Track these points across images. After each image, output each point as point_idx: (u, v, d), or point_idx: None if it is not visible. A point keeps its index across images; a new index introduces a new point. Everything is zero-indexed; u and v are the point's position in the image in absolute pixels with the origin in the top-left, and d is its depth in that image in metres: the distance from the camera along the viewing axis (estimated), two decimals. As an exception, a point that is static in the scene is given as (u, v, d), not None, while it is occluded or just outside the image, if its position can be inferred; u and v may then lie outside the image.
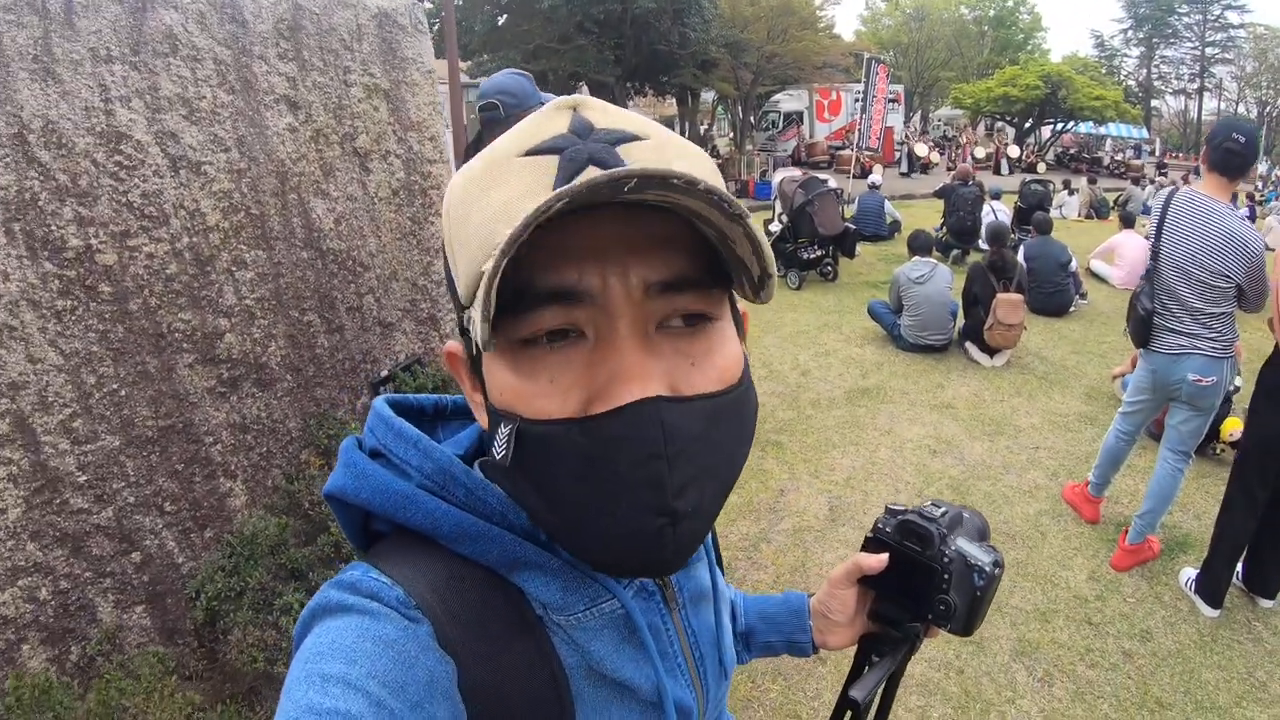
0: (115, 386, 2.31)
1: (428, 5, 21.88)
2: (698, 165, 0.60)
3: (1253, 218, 16.43)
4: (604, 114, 0.59)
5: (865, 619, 0.99)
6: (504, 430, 0.55)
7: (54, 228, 2.14)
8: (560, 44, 20.70)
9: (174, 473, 2.52)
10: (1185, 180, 17.32)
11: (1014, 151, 29.91)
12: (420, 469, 0.64)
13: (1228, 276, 3.48)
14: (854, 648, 1.01)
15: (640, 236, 0.54)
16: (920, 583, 0.90)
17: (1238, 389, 5.33)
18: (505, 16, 21.79)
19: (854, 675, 0.96)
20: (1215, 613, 3.71)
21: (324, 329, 3.21)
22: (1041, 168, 29.02)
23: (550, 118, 0.58)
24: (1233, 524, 3.63)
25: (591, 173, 0.52)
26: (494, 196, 0.54)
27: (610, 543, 0.56)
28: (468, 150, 3.53)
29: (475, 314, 0.49)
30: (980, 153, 29.19)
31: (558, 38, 20.61)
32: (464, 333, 0.61)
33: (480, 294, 0.48)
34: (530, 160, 0.55)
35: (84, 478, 2.25)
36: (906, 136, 31.03)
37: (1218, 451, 5.20)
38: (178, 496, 2.54)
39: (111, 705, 1.91)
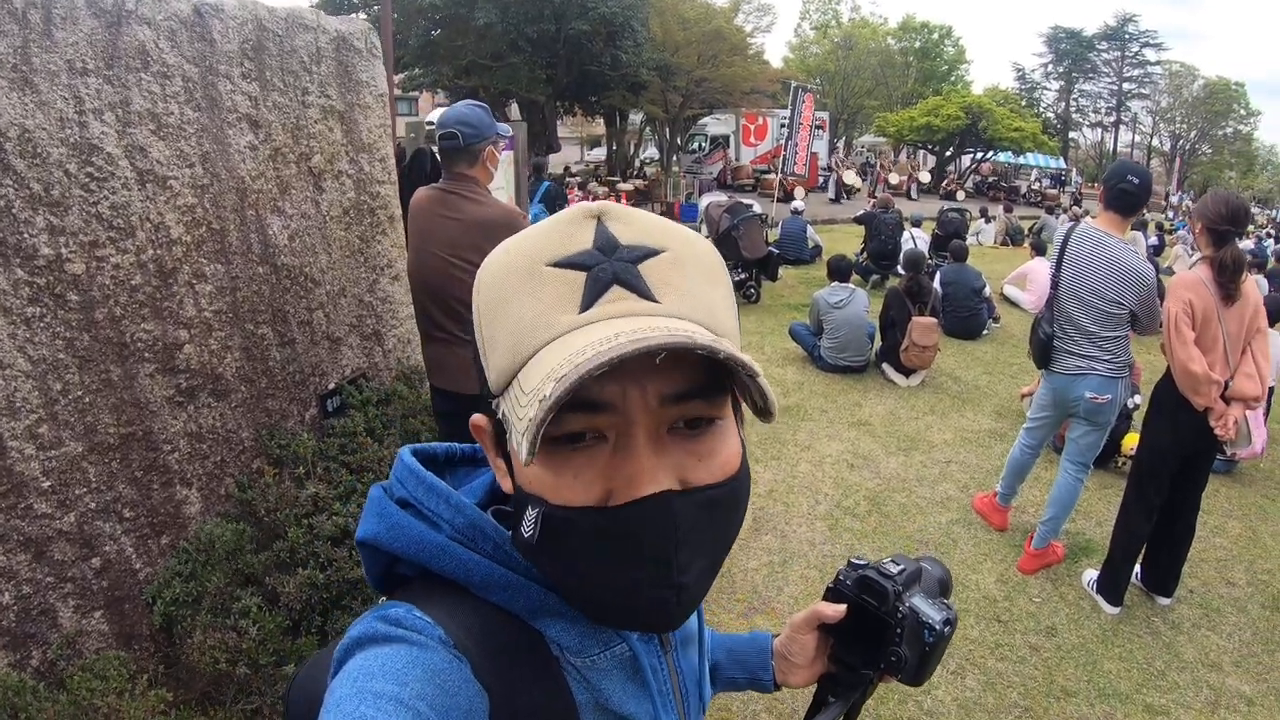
0: (80, 394, 2.36)
1: (361, 17, 21.68)
2: (711, 274, 0.67)
3: (1161, 246, 17.31)
4: (627, 225, 0.63)
5: (824, 661, 1.06)
6: (532, 513, 0.61)
7: (26, 236, 2.19)
8: (493, 61, 20.67)
9: (133, 479, 2.56)
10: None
11: (924, 177, 30.96)
12: (452, 523, 0.69)
13: (1121, 303, 3.79)
14: (814, 686, 1.08)
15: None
16: (875, 634, 0.96)
17: (1137, 406, 5.71)
18: (439, 31, 21.67)
19: (811, 713, 1.03)
20: (1116, 610, 4.00)
21: (276, 342, 3.27)
22: (961, 195, 30.08)
23: (578, 226, 0.63)
24: (1129, 527, 3.95)
25: (617, 294, 0.59)
26: (526, 306, 0.60)
27: (623, 611, 0.64)
28: (406, 173, 3.61)
29: (521, 440, 0.53)
30: (894, 179, 30.12)
31: (490, 55, 20.58)
32: (490, 411, 0.66)
33: (527, 436, 0.52)
34: (559, 272, 0.60)
35: (48, 483, 2.28)
36: (836, 164, 31.73)
37: (1119, 464, 5.57)
38: (136, 503, 2.58)
39: (83, 705, 1.96)
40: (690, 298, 0.62)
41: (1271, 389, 6.33)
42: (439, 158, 3.15)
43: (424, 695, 0.56)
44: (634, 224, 0.64)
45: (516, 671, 0.65)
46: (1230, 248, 3.53)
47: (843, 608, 0.99)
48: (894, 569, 0.98)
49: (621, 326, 0.56)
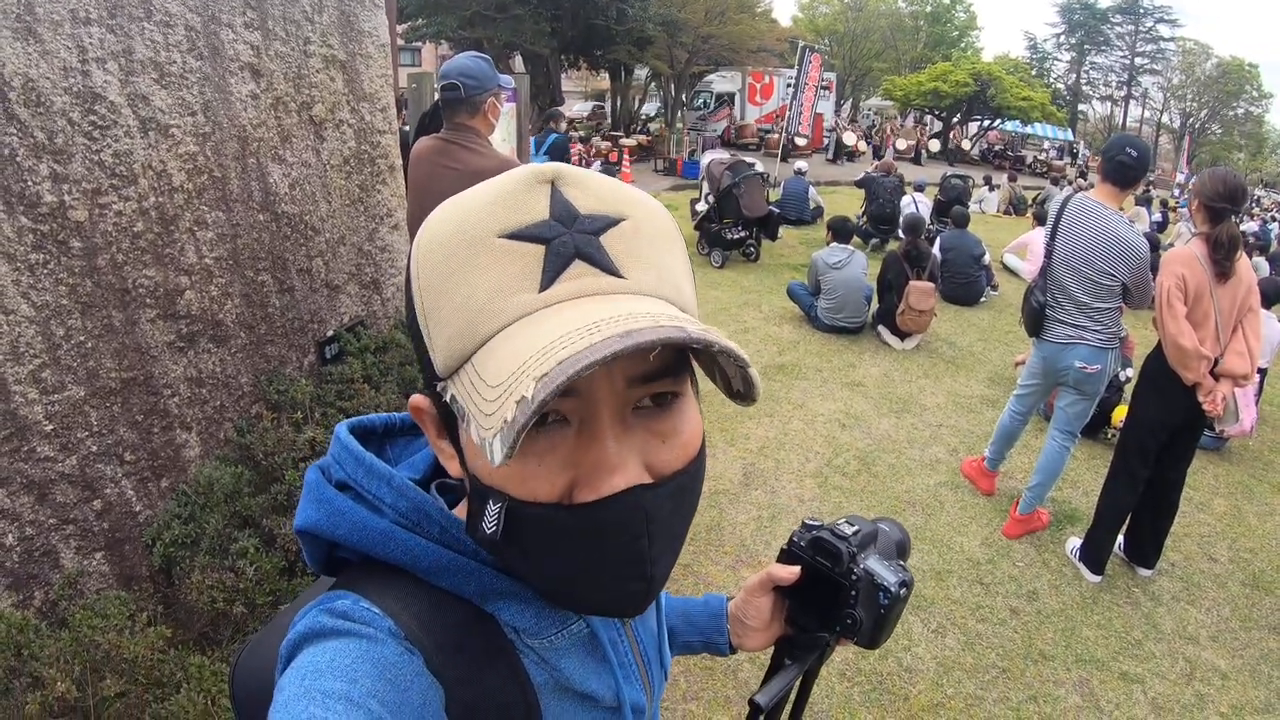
0: (82, 339, 2.39)
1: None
2: (671, 241, 0.64)
3: (1165, 223, 17.26)
4: (583, 191, 0.59)
5: (781, 624, 1.04)
6: (494, 508, 0.58)
7: (30, 183, 2.21)
8: (497, 13, 20.44)
9: (134, 423, 2.61)
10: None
11: (934, 146, 30.71)
12: (395, 506, 0.66)
13: (1113, 275, 3.82)
14: (771, 649, 1.06)
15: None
16: (830, 596, 0.94)
17: (1129, 379, 5.77)
18: (444, -19, 21.40)
19: (768, 676, 1.01)
20: (1097, 579, 4.08)
21: (276, 289, 3.30)
22: (970, 147, 29.95)
23: (531, 192, 0.58)
24: (1114, 498, 4.01)
25: (580, 270, 0.56)
26: (478, 282, 0.56)
27: (594, 604, 0.63)
28: (420, 123, 3.63)
29: (492, 442, 0.49)
30: (901, 144, 29.87)
31: (495, 6, 20.34)
32: (432, 390, 0.62)
33: (501, 440, 0.48)
34: (513, 245, 0.56)
35: (50, 427, 2.33)
36: (836, 125, 31.46)
37: (1108, 436, 5.63)
38: (137, 446, 2.63)
39: (84, 642, 2.02)
40: (654, 270, 0.60)
41: (1263, 370, 6.41)
42: (440, 108, 3.15)
43: (375, 692, 0.54)
44: (590, 189, 0.60)
45: (470, 659, 0.64)
46: (1226, 225, 3.54)
47: (797, 569, 0.98)
48: (848, 530, 0.97)
49: (595, 311, 0.53)
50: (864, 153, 28.54)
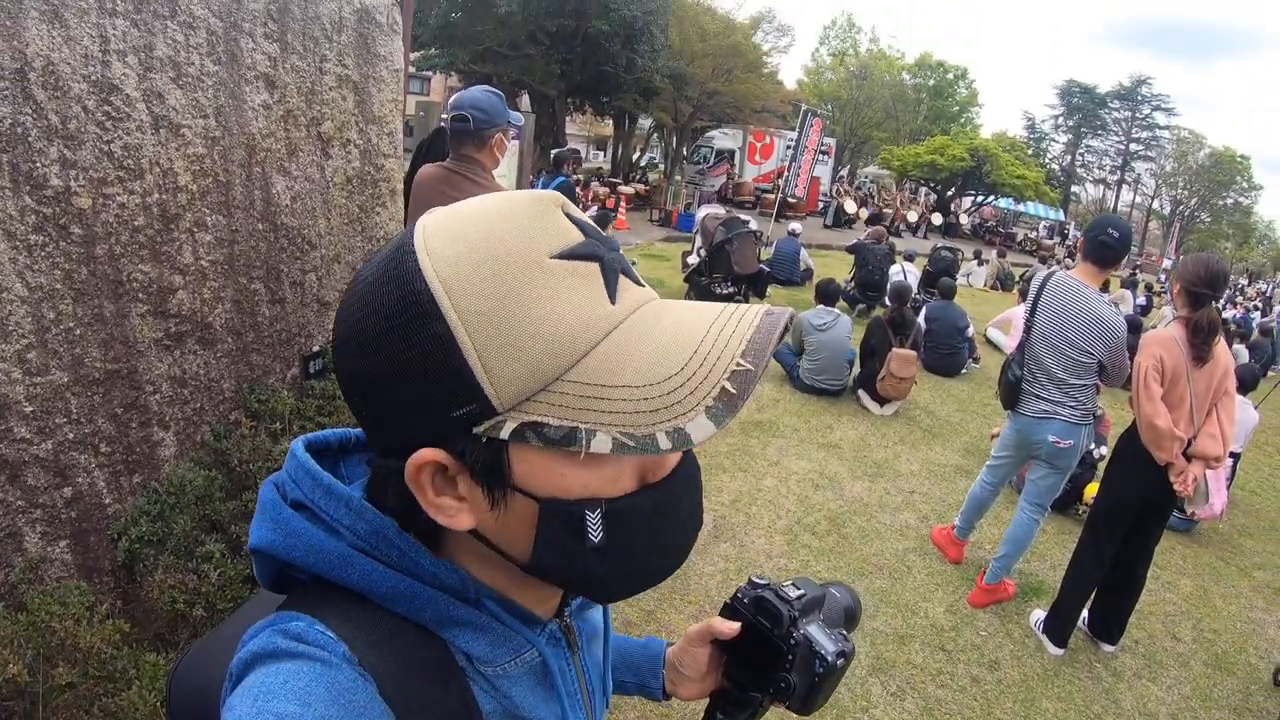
0: (71, 325, 2.40)
1: (383, -10, 21.69)
2: None
3: (1149, 307, 17.53)
4: (584, 215, 0.65)
5: (717, 677, 1.04)
6: (593, 516, 0.59)
7: (39, 165, 2.23)
8: (510, 50, 20.80)
9: (113, 416, 2.60)
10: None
11: (937, 219, 31.16)
12: (353, 529, 0.64)
13: (1090, 353, 3.90)
14: (706, 700, 1.06)
15: None
16: (767, 657, 0.94)
17: (1103, 457, 5.84)
18: (459, 14, 21.76)
19: None
20: (1060, 652, 4.11)
21: (267, 299, 3.31)
22: (964, 220, 30.40)
23: (554, 214, 0.61)
24: (1081, 572, 4.05)
25: (626, 284, 0.61)
26: (555, 300, 0.57)
27: (667, 563, 0.68)
28: (422, 148, 3.67)
29: (697, 421, 0.54)
30: (913, 216, 30.20)
31: (508, 43, 20.70)
32: (449, 438, 0.60)
33: (714, 415, 0.54)
34: (570, 265, 0.59)
35: (30, 409, 2.32)
36: (837, 191, 31.87)
37: (1079, 511, 5.69)
38: (114, 439, 2.62)
39: (40, 627, 2.00)
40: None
41: (1236, 454, 6.50)
42: (442, 135, 3.21)
43: (328, 717, 0.54)
44: (582, 214, 0.65)
45: (423, 686, 0.63)
46: (1206, 310, 3.62)
47: (737, 626, 0.97)
48: (793, 593, 0.96)
49: (689, 311, 0.62)
50: (858, 218, 28.90)
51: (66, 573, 2.49)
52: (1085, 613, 4.23)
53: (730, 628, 0.98)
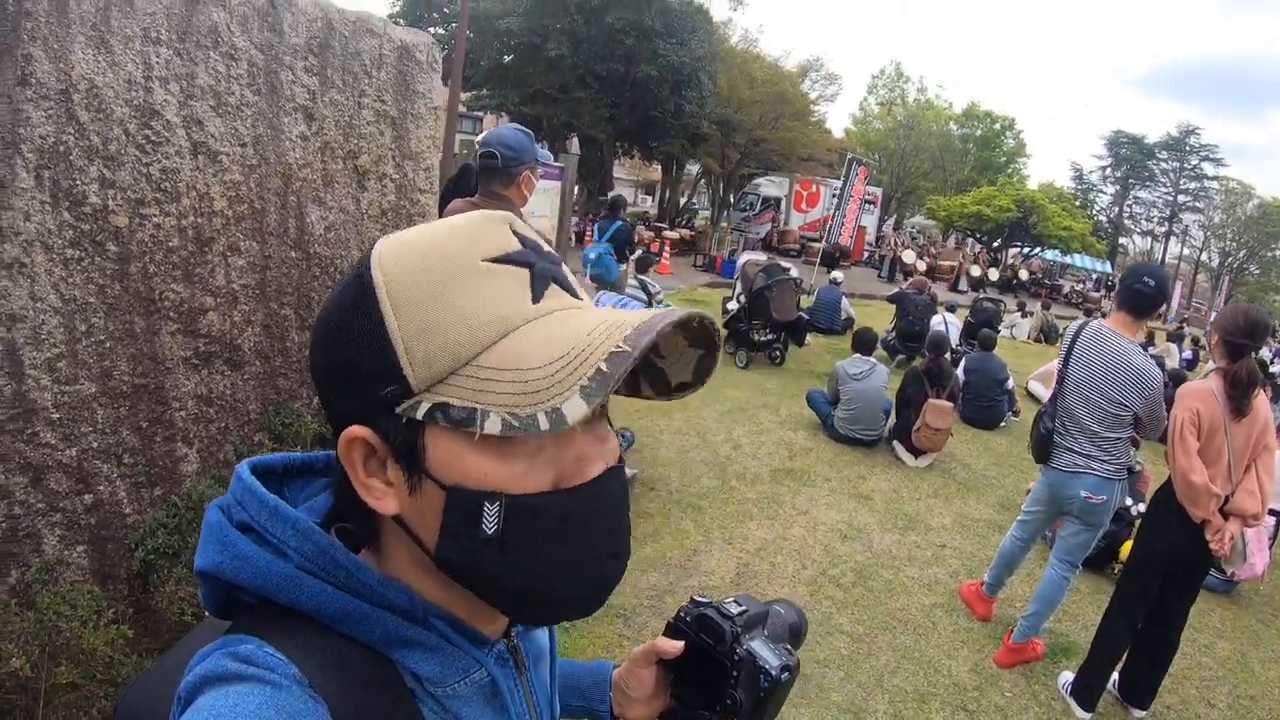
0: (102, 338, 2.49)
1: (439, 31, 22.34)
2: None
3: (1195, 361, 17.16)
4: (530, 234, 0.69)
5: (665, 698, 1.04)
6: (492, 508, 0.61)
7: (79, 182, 2.34)
8: (560, 93, 21.20)
9: (138, 429, 2.69)
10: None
11: (993, 274, 30.84)
12: (300, 550, 0.65)
13: (1125, 405, 3.79)
14: None
15: None
16: (712, 674, 0.94)
17: (1139, 514, 5.68)
18: (511, 56, 22.27)
19: None
20: (1087, 716, 3.94)
21: (297, 325, 3.40)
22: (1024, 274, 30.11)
23: (496, 227, 0.66)
24: (1112, 632, 3.90)
25: (557, 293, 0.66)
26: (474, 295, 0.61)
27: (578, 589, 0.67)
28: (449, 186, 3.75)
29: (571, 400, 0.56)
30: (975, 271, 29.83)
31: (558, 87, 21.11)
32: (375, 418, 0.63)
33: (586, 394, 0.56)
34: (500, 267, 0.63)
35: (57, 415, 2.41)
36: (895, 243, 31.63)
37: (1114, 570, 5.51)
38: (137, 451, 2.70)
39: (47, 625, 2.06)
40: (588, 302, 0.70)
41: (1277, 511, 6.29)
42: (467, 172, 3.28)
43: None
44: (533, 234, 0.69)
45: (373, 708, 0.64)
46: (1245, 361, 3.51)
47: (680, 644, 0.98)
48: (735, 610, 0.97)
49: (598, 314, 0.63)
50: (917, 270, 28.52)
51: (81, 577, 2.56)
52: (1116, 675, 4.07)
53: (674, 647, 0.98)
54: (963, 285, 26.68)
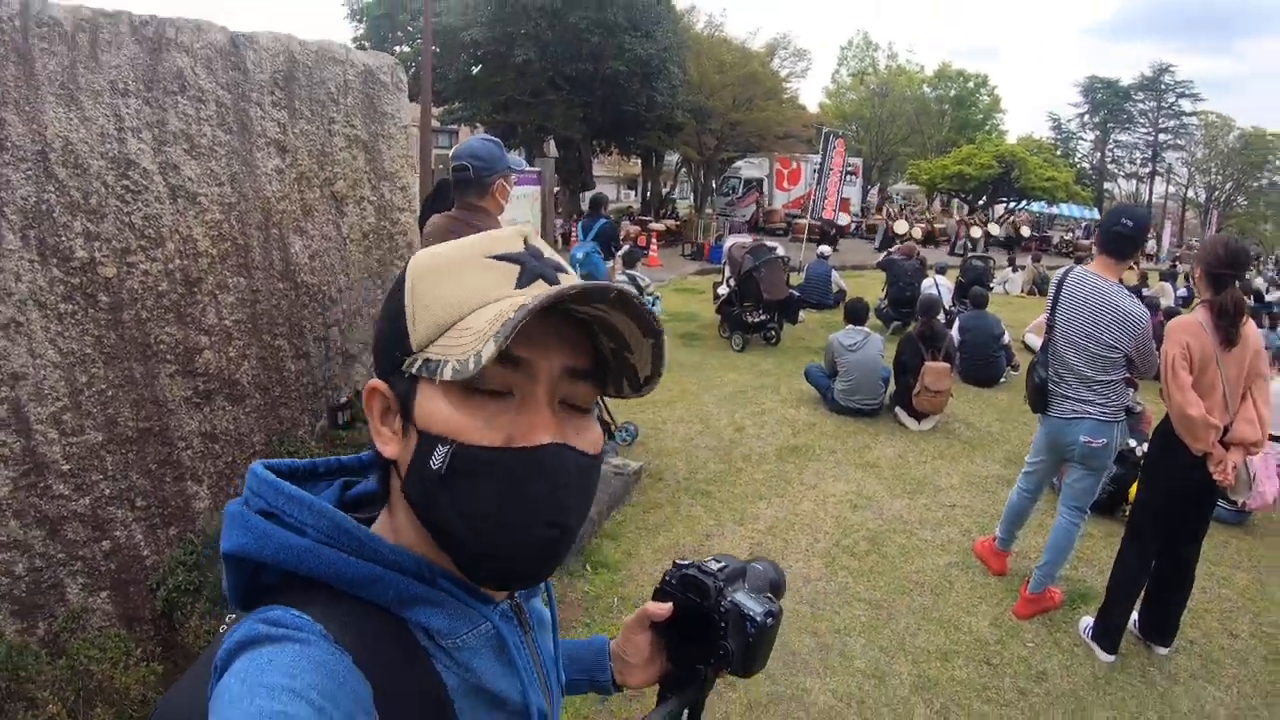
0: (104, 387, 2.55)
1: (404, 49, 22.36)
2: None
3: (1190, 297, 17.12)
4: (544, 248, 0.79)
5: (663, 661, 1.10)
6: (441, 449, 0.69)
7: (64, 238, 2.39)
8: (531, 98, 21.17)
9: (148, 471, 2.74)
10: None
11: (995, 229, 30.69)
12: (315, 526, 0.72)
13: (1115, 347, 3.80)
14: (657, 686, 1.11)
15: (566, 338, 0.74)
16: (702, 629, 1.00)
17: (1144, 454, 5.70)
18: (479, 67, 22.26)
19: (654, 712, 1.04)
20: (1111, 658, 3.94)
21: (292, 354, 3.45)
22: (1025, 230, 30.05)
23: (510, 236, 0.77)
24: (1126, 573, 3.90)
25: (542, 286, 0.74)
26: (471, 279, 0.73)
27: (513, 548, 0.72)
28: (428, 202, 3.79)
29: (488, 345, 0.64)
30: (976, 232, 29.66)
31: (529, 92, 21.08)
32: (391, 374, 0.75)
33: (499, 330, 0.64)
34: (496, 263, 0.74)
35: (67, 467, 2.46)
36: (888, 214, 31.48)
37: (1125, 513, 5.53)
38: (149, 493, 2.76)
39: (79, 670, 2.11)
40: None
41: None
42: (444, 187, 3.33)
43: (315, 685, 0.59)
44: (547, 248, 0.80)
45: (389, 663, 0.69)
46: (1230, 291, 3.51)
47: (669, 606, 1.04)
48: (715, 566, 1.03)
49: (516, 299, 0.71)
50: (915, 237, 28.19)
51: (108, 622, 2.62)
52: (1135, 616, 4.06)
53: (663, 609, 1.04)
54: (963, 246, 26.49)
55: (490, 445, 0.70)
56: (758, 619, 0.98)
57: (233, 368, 3.09)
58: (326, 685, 0.60)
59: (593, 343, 0.78)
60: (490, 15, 20.35)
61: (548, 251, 0.79)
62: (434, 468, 0.69)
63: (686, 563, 1.05)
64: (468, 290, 0.73)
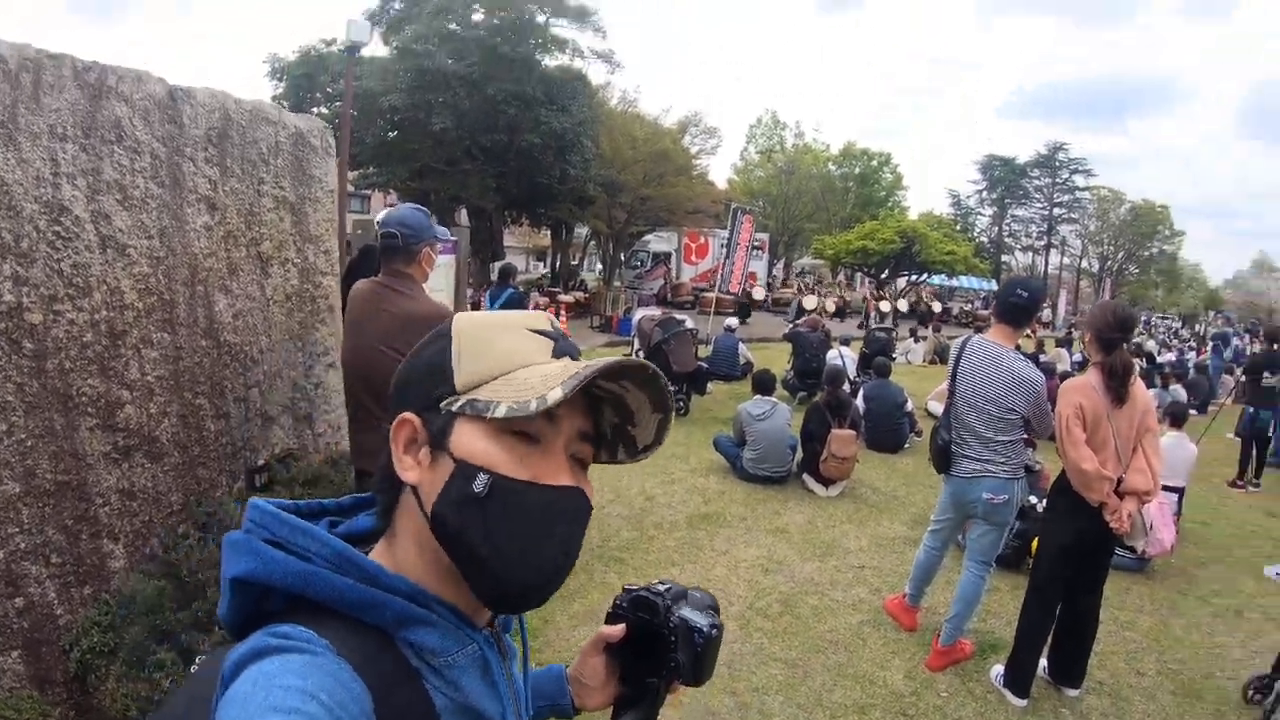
0: (23, 437, 2.48)
1: (323, 110, 22.27)
2: None
3: (1085, 363, 17.89)
4: (562, 330, 0.94)
5: (617, 682, 1.18)
6: (483, 476, 0.79)
7: (-8, 282, 2.36)
8: (446, 166, 21.30)
9: (64, 527, 2.66)
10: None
11: (902, 305, 31.82)
12: (320, 554, 0.79)
13: (1013, 410, 4.06)
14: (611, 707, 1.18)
15: (579, 407, 0.86)
16: (654, 646, 1.08)
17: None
18: (396, 133, 22.33)
19: None
20: (1023, 702, 4.10)
21: (212, 413, 3.40)
22: (936, 306, 31.18)
23: (541, 318, 0.92)
24: (1031, 620, 4.10)
25: (568, 360, 0.87)
26: (517, 343, 0.86)
27: (529, 569, 0.82)
28: (353, 266, 3.81)
29: (554, 392, 0.77)
30: (885, 307, 30.68)
31: (445, 160, 21.21)
32: (425, 410, 0.85)
33: (566, 386, 0.77)
34: (535, 336, 0.88)
35: (-19, 521, 2.38)
36: (800, 288, 32.28)
37: (1029, 565, 5.77)
38: (64, 550, 2.66)
39: (-6, 733, 2.02)
40: None
41: (1181, 489, 6.71)
42: (369, 253, 3.36)
43: (324, 688, 0.65)
44: (558, 327, 0.94)
45: (387, 676, 0.76)
46: (1120, 353, 3.78)
47: (622, 627, 1.12)
48: (661, 588, 1.13)
49: (572, 365, 0.85)
50: (825, 312, 28.93)
51: (19, 683, 2.51)
52: (1044, 661, 4.25)
53: (617, 630, 1.13)
54: (874, 320, 27.41)
55: (522, 479, 0.81)
56: (705, 630, 1.08)
57: (153, 424, 3.03)
58: (336, 690, 0.66)
59: (595, 417, 0.91)
60: (410, 82, 20.52)
61: (565, 331, 0.94)
62: (476, 491, 0.79)
63: (636, 586, 1.15)
64: (515, 350, 0.86)
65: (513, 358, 0.85)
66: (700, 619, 1.09)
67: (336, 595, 0.77)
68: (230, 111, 3.33)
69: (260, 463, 3.75)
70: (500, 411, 0.79)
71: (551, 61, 23.44)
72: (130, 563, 2.96)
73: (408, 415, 0.86)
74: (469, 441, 0.82)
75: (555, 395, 0.77)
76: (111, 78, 2.74)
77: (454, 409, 0.82)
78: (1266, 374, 9.80)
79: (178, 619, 2.84)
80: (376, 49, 22.59)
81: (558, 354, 0.88)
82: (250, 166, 3.50)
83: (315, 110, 21.45)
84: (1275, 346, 10.34)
